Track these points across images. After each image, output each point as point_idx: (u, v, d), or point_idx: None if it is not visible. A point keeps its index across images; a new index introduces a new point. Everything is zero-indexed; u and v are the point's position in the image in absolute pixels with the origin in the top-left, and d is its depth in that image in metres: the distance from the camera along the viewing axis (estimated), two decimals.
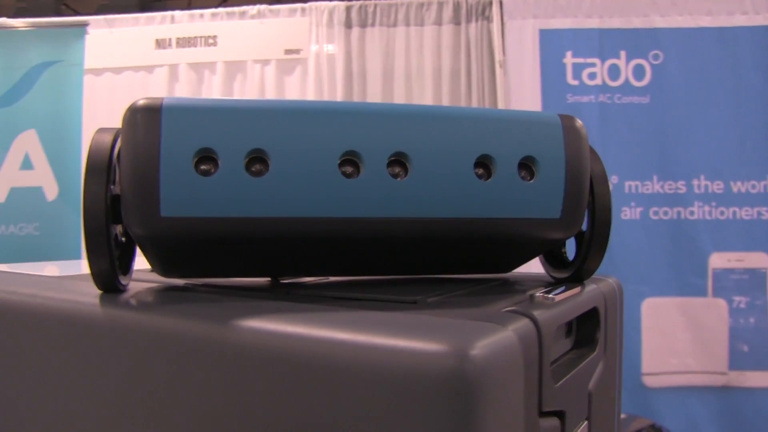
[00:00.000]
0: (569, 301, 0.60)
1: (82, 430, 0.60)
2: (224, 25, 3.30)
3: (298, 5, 3.24)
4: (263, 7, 3.26)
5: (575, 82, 2.94)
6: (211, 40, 3.31)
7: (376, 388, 0.41)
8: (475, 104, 3.10)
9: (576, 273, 0.70)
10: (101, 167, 0.59)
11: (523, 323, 0.49)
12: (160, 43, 3.31)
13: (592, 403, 0.64)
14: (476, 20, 3.08)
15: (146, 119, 0.55)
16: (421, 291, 0.62)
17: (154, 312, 0.58)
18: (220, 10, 3.32)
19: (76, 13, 5.27)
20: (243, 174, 0.55)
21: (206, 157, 0.56)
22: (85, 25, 2.60)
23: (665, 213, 2.93)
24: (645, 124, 2.93)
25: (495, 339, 0.43)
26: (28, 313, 0.64)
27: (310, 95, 3.25)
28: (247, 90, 3.32)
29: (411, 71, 3.21)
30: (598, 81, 2.95)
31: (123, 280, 0.64)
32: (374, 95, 3.23)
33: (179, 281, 0.72)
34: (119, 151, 0.58)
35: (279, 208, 0.56)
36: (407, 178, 0.57)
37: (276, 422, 0.46)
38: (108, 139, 0.60)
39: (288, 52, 3.28)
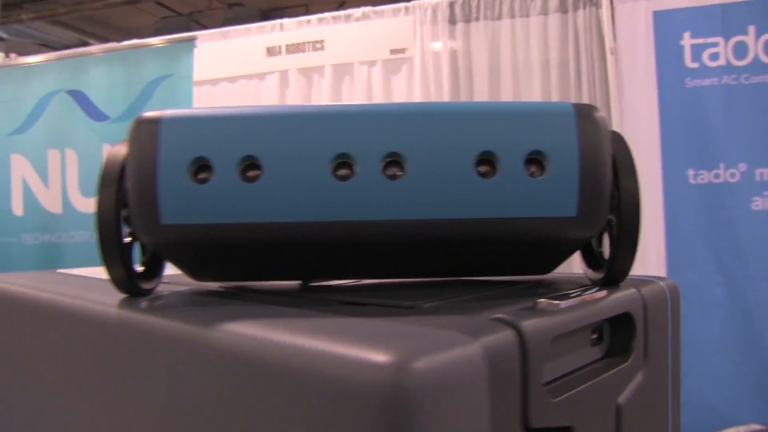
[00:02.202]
0: (584, 307, 0.55)
1: (88, 423, 0.63)
2: (331, 29, 3.37)
3: (402, 4, 3.24)
4: (368, 8, 3.29)
5: (695, 65, 2.73)
6: (318, 45, 3.39)
7: (322, 394, 0.40)
8: (585, 95, 2.96)
9: (608, 275, 0.64)
10: (112, 179, 0.61)
11: (502, 335, 0.45)
12: (271, 51, 3.43)
13: (622, 418, 0.59)
14: (584, 7, 2.94)
15: (146, 131, 0.57)
16: (429, 295, 0.59)
17: (150, 313, 0.60)
18: (326, 14, 3.39)
19: (204, 27, 5.60)
20: (237, 180, 0.56)
21: (203, 166, 0.56)
22: (192, 39, 2.74)
23: None
24: None
25: (451, 352, 0.40)
26: (54, 309, 0.69)
27: (417, 94, 3.25)
28: (355, 91, 3.37)
29: (518, 64, 3.11)
30: (721, 61, 2.72)
31: (147, 285, 0.67)
32: (481, 91, 3.17)
33: (212, 285, 0.74)
34: None
35: (274, 213, 0.56)
36: (402, 179, 0.55)
37: (232, 418, 0.46)
38: (121, 151, 0.62)
39: (393, 51, 3.29)
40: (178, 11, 6.23)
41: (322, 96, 3.44)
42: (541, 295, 0.57)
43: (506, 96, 3.11)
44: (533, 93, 3.06)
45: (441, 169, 0.55)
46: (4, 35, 5.59)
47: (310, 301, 0.61)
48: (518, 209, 0.56)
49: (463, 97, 3.19)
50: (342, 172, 0.56)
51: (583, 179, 0.55)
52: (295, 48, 3.43)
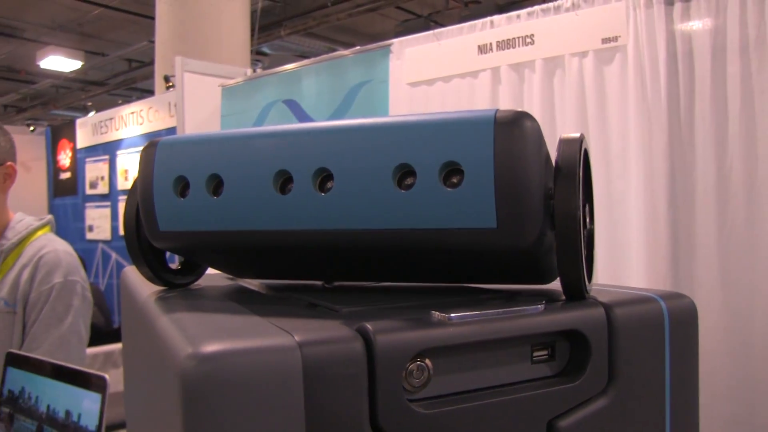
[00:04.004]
0: (494, 321, 0.54)
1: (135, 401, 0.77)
2: (540, 23, 3.32)
3: None
4: None
5: None
6: (528, 39, 3.36)
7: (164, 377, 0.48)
8: None
9: (564, 289, 0.61)
10: (135, 191, 0.74)
11: (345, 346, 0.48)
12: (482, 49, 3.48)
13: None
14: None
15: (148, 154, 0.69)
16: (373, 301, 0.63)
17: (154, 301, 0.71)
18: (536, 8, 3.34)
19: (441, 25, 5.80)
20: (206, 195, 0.65)
21: (185, 183, 0.67)
22: (388, 46, 2.89)
23: None
24: None
25: (260, 355, 0.45)
26: (132, 296, 0.84)
27: (631, 83, 3.05)
28: (566, 85, 3.28)
29: (748, 43, 2.77)
30: None
31: (182, 280, 0.79)
32: (702, 77, 2.87)
33: (251, 282, 0.85)
34: None
35: (232, 222, 0.64)
36: (331, 191, 0.60)
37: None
38: None
39: (605, 41, 3.14)
40: (417, 13, 6.51)
41: (534, 91, 3.39)
42: (471, 306, 0.58)
43: (732, 80, 2.79)
44: (764, 74, 2.70)
45: (363, 181, 0.58)
46: (268, 51, 6.33)
47: (279, 300, 0.68)
48: (438, 220, 0.57)
49: (682, 84, 2.92)
50: (285, 186, 0.62)
51: (499, 189, 0.55)
52: (505, 44, 3.44)
